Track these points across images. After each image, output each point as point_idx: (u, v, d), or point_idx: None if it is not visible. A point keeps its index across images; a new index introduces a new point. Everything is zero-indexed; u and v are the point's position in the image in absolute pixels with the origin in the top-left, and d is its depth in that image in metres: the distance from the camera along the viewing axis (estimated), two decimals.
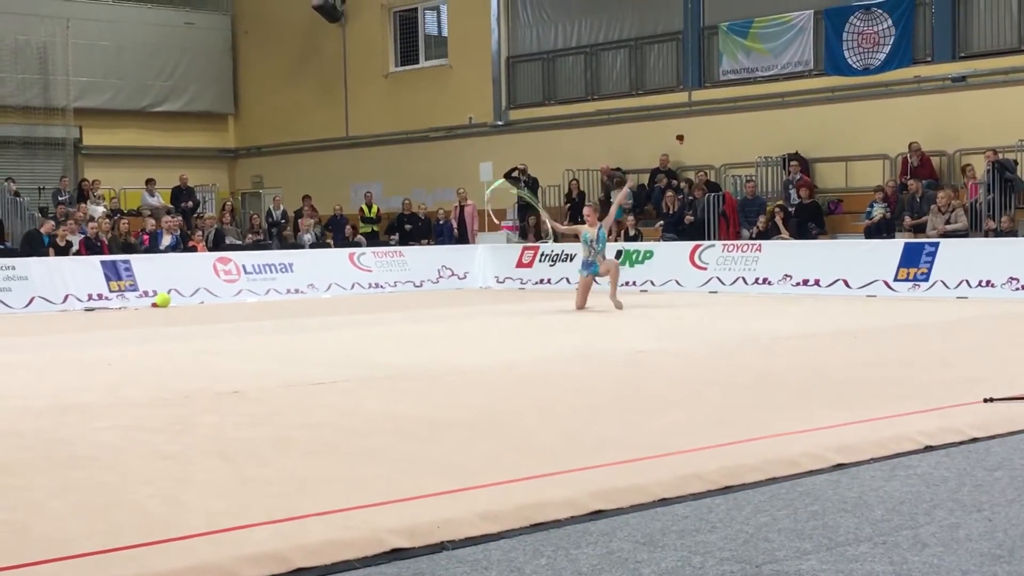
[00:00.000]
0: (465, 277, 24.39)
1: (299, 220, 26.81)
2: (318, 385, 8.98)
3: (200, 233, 24.50)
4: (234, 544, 4.39)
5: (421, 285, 23.72)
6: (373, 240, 26.61)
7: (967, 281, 17.77)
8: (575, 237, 18.11)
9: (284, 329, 14.74)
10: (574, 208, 25.89)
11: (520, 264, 24.03)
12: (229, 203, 28.52)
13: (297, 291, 22.24)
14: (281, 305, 20.16)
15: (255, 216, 27.67)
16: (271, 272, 22.30)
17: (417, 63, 30.86)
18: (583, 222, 17.26)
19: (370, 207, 28.04)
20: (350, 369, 10.02)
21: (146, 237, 23.37)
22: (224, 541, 4.44)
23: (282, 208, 27.96)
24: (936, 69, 21.95)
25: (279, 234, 26.67)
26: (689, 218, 23.23)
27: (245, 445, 6.50)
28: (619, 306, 16.33)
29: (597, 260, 16.70)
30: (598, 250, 16.71)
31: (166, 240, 23.31)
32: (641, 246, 22.42)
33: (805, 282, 19.25)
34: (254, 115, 34.10)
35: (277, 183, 32.66)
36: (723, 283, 20.51)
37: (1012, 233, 19.19)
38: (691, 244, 21.70)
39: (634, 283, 21.64)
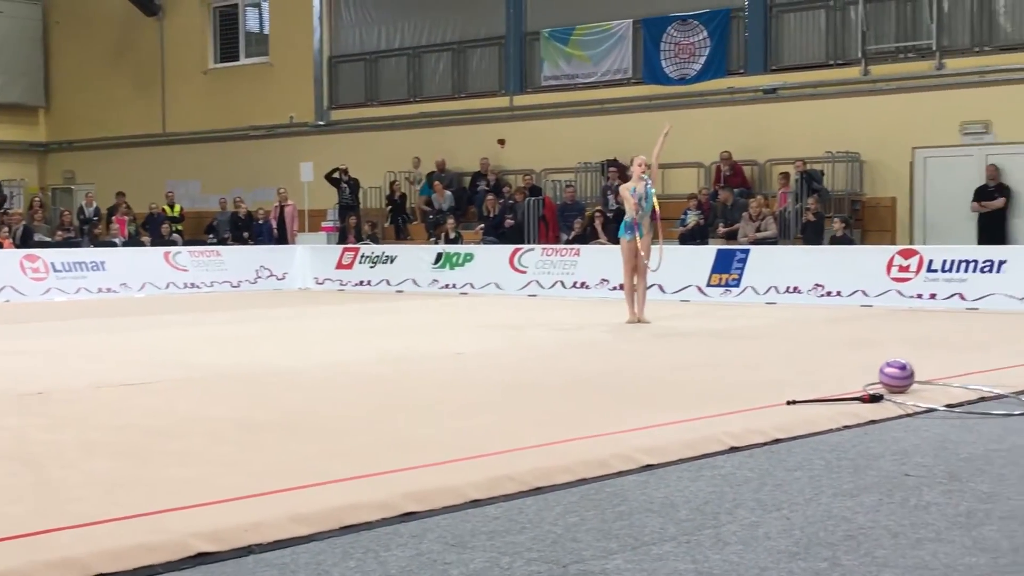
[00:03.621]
0: (284, 278, 24.09)
1: (112, 217, 26.11)
2: (128, 386, 8.76)
3: (7, 230, 23.63)
4: (33, 549, 4.25)
5: (239, 285, 23.34)
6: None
7: (775, 287, 18.33)
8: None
9: (94, 329, 14.33)
10: (395, 209, 25.88)
11: (340, 265, 23.86)
12: (38, 199, 27.62)
13: (109, 290, 21.63)
14: (92, 305, 19.58)
15: (67, 212, 26.84)
16: (82, 270, 21.64)
17: (237, 60, 30.39)
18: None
19: (172, 206, 27.47)
20: (162, 370, 9.80)
21: None
22: (23, 546, 4.29)
23: (95, 205, 27.19)
24: (749, 81, 22.63)
25: (90, 231, 25.92)
26: (509, 221, 23.42)
27: (48, 448, 6.30)
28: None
29: (643, 222, 14.11)
30: (645, 209, 14.10)
31: None
32: (461, 249, 22.51)
33: (621, 287, 19.54)
34: (66, 108, 33.07)
35: (90, 179, 31.73)
36: (542, 286, 20.73)
37: (818, 225, 19.98)
38: (511, 247, 21.88)
39: (454, 286, 21.71)
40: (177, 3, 30.80)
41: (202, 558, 4.28)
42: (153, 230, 26.10)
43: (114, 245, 24.38)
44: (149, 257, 23.08)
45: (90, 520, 4.64)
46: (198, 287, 22.74)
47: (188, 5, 30.65)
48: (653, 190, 14.24)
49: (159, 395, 8.38)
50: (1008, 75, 20.04)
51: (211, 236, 26.75)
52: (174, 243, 25.05)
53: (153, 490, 5.23)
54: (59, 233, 25.17)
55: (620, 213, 22.23)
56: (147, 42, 31.32)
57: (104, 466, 5.81)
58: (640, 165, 14.25)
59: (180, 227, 27.01)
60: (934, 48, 20.73)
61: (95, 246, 24.32)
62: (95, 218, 26.68)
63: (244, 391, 8.65)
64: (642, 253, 14.20)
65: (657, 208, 14.25)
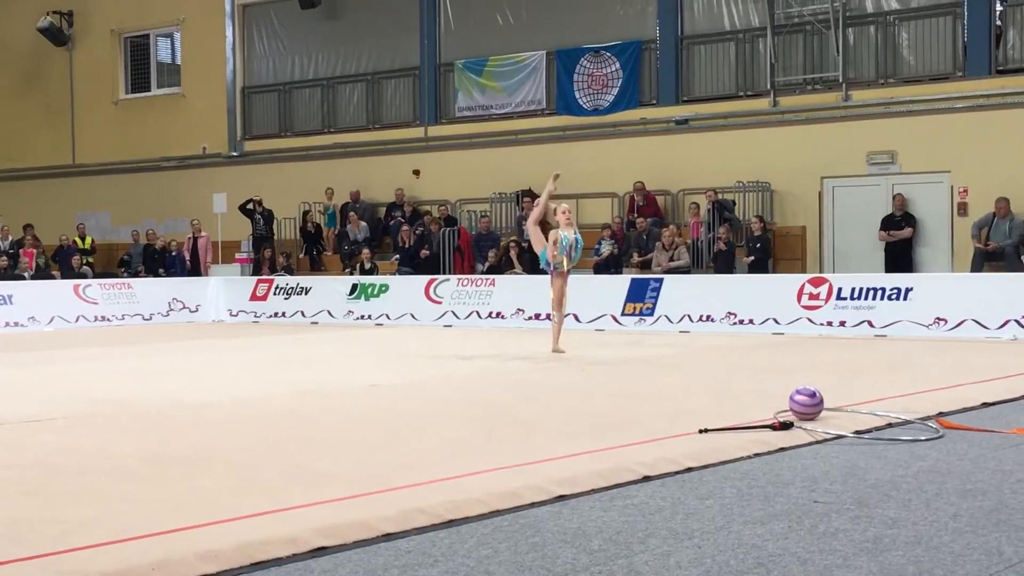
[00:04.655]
0: (197, 310, 23.82)
1: (20, 249, 25.66)
2: (32, 423, 8.58)
3: None
4: None
5: (151, 318, 23.04)
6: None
7: (689, 316, 18.49)
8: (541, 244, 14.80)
9: (0, 364, 14.05)
10: (308, 241, 25.73)
11: (254, 297, 23.65)
12: None
13: (17, 324, 21.24)
14: None
15: None
16: None
17: (149, 91, 30.09)
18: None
19: (83, 238, 27.07)
20: (69, 405, 9.62)
21: None
22: None
23: (10, 238, 26.68)
24: (661, 112, 22.88)
25: None
26: (425, 252, 23.41)
27: None
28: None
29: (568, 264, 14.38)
30: (574, 259, 14.47)
31: None
32: (377, 279, 22.43)
33: (537, 316, 19.63)
34: None
35: None
36: (458, 317, 20.72)
37: (729, 254, 20.28)
38: (426, 278, 21.85)
39: (369, 317, 21.62)
40: (87, 33, 30.44)
41: None
42: (63, 263, 25.68)
43: (22, 278, 23.94)
44: (58, 290, 22.71)
45: None
46: (109, 320, 22.41)
47: (98, 35, 30.30)
48: (580, 237, 14.55)
49: (65, 431, 8.22)
50: (912, 107, 20.48)
51: (124, 270, 26.40)
52: (84, 276, 24.66)
53: (58, 529, 5.12)
54: None
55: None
56: (56, 72, 30.91)
57: (6, 505, 5.68)
58: (565, 213, 14.41)
59: (91, 259, 26.62)
60: (840, 80, 21.13)
61: (1, 280, 23.86)
62: (11, 251, 26.22)
63: (152, 426, 8.51)
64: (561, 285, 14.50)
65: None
